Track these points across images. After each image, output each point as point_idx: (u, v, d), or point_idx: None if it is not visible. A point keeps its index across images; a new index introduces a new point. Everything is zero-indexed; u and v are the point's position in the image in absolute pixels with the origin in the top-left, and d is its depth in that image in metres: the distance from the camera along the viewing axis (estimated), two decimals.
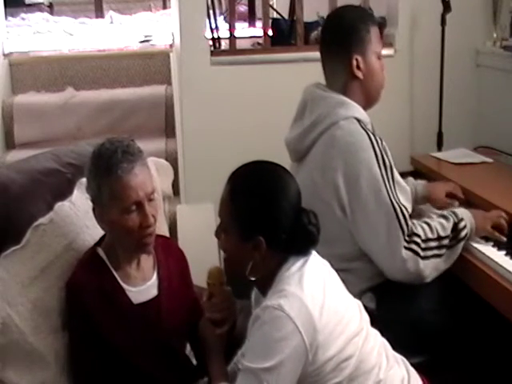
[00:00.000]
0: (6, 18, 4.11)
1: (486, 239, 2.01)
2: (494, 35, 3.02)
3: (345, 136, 1.92)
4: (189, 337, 1.88)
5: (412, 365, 1.68)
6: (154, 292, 1.79)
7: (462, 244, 1.95)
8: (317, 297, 1.47)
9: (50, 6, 5.83)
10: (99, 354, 1.71)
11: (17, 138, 3.52)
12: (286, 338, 1.42)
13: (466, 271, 1.97)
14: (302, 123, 2.03)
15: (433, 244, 1.89)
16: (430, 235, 1.90)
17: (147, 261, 1.82)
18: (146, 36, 4.31)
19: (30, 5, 5.77)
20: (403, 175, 2.06)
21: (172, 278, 1.84)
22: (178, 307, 1.82)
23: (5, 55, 3.78)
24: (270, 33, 3.49)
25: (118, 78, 3.80)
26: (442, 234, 1.91)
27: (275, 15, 4.24)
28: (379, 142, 1.92)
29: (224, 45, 3.73)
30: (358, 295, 1.77)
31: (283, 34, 3.73)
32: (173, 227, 2.87)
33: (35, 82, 3.74)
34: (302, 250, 1.55)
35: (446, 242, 1.91)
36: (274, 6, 4.68)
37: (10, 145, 3.52)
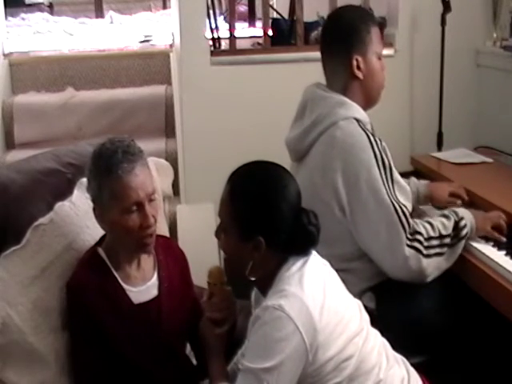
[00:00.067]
0: (6, 17, 4.11)
1: (486, 239, 2.02)
2: (494, 35, 3.02)
3: (344, 136, 1.92)
4: (189, 337, 1.88)
5: (412, 365, 1.68)
6: (154, 292, 1.79)
7: (462, 243, 1.95)
8: (317, 297, 1.47)
9: (50, 5, 5.83)
10: (100, 354, 1.71)
11: (17, 138, 3.51)
12: (287, 338, 1.42)
13: (466, 271, 1.97)
14: (302, 123, 2.03)
15: (435, 242, 1.90)
16: (431, 234, 1.90)
17: (147, 261, 1.82)
18: (145, 36, 4.30)
19: (30, 5, 5.76)
20: (403, 175, 2.06)
21: (172, 278, 1.84)
22: (179, 307, 1.82)
23: (5, 55, 3.78)
24: (270, 33, 3.49)
25: (118, 78, 3.80)
26: (444, 232, 1.92)
27: (275, 15, 4.23)
28: (379, 142, 1.92)
29: (224, 45, 3.73)
30: (357, 295, 1.77)
31: (283, 34, 3.73)
32: (173, 227, 2.87)
33: (35, 82, 3.74)
34: (302, 250, 1.55)
35: (447, 240, 1.92)
36: (274, 6, 4.68)
37: (10, 145, 3.51)
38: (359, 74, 2.00)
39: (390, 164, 1.91)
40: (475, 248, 1.98)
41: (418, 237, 1.88)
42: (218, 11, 4.30)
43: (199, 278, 1.87)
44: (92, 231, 1.87)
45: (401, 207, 1.88)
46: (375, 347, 1.57)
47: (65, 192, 1.96)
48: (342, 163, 1.90)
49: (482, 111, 3.09)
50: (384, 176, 1.89)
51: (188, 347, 1.93)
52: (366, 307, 1.66)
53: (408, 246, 1.86)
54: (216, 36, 3.78)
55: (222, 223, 1.58)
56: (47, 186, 1.99)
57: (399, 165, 2.08)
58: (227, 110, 3.05)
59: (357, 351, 1.51)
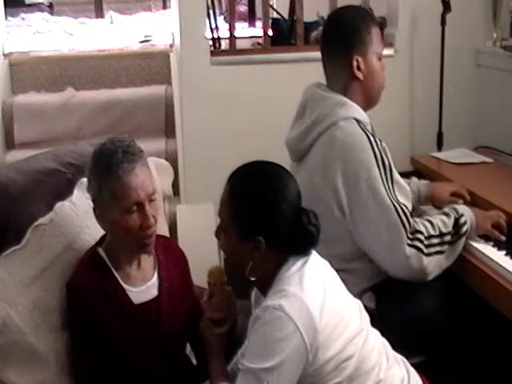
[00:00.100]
0: (6, 17, 4.11)
1: (486, 239, 2.02)
2: (494, 35, 3.02)
3: (344, 137, 1.92)
4: (189, 337, 1.88)
5: (412, 365, 1.68)
6: (154, 292, 1.79)
7: (463, 240, 1.95)
8: (317, 297, 1.47)
9: (50, 5, 5.83)
10: (100, 354, 1.71)
11: (17, 138, 3.51)
12: (287, 338, 1.42)
13: (466, 271, 1.97)
14: (302, 123, 2.03)
15: (435, 241, 1.90)
16: (432, 232, 1.90)
17: (148, 261, 1.82)
18: (146, 36, 4.30)
19: (30, 5, 5.76)
20: (403, 175, 2.06)
21: (172, 279, 1.84)
22: (179, 307, 1.82)
23: (5, 55, 3.78)
24: (270, 33, 3.50)
25: (118, 78, 3.79)
26: (444, 230, 1.92)
27: (275, 15, 4.23)
28: (379, 142, 1.92)
29: (224, 45, 3.73)
30: (357, 295, 1.77)
31: (283, 34, 3.73)
32: (173, 227, 2.87)
33: (35, 82, 3.74)
34: (302, 250, 1.55)
35: (447, 238, 1.92)
36: (274, 6, 4.68)
37: (10, 145, 3.51)
38: (359, 75, 2.00)
39: (389, 164, 1.91)
40: (475, 248, 1.98)
41: (419, 236, 1.88)
42: (218, 11, 4.30)
43: (199, 277, 1.87)
44: (92, 231, 1.87)
45: (401, 207, 1.88)
46: (375, 347, 1.57)
47: (65, 192, 1.96)
48: (341, 163, 1.90)
49: (482, 111, 3.09)
50: (384, 176, 1.89)
51: (188, 347, 1.93)
52: (366, 307, 1.66)
53: (409, 245, 1.86)
54: (216, 36, 3.78)
55: (222, 223, 1.58)
56: (47, 186, 1.99)
57: (399, 165, 2.08)
58: (227, 110, 3.05)
59: (357, 351, 1.51)
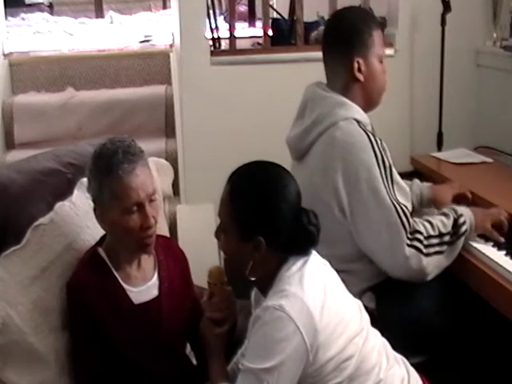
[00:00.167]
0: (6, 17, 4.11)
1: (486, 239, 2.01)
2: (494, 35, 3.02)
3: (344, 137, 1.92)
4: (189, 337, 1.88)
5: (412, 365, 1.68)
6: (154, 292, 1.79)
7: (462, 240, 1.95)
8: (317, 297, 1.47)
9: (50, 5, 5.83)
10: (100, 354, 1.71)
11: (17, 138, 3.51)
12: (287, 338, 1.42)
13: (466, 271, 1.97)
14: (303, 122, 2.03)
15: (434, 241, 1.90)
16: (431, 232, 1.90)
17: (148, 261, 1.82)
18: (145, 36, 4.30)
19: (30, 5, 5.76)
20: (403, 175, 2.06)
21: (172, 279, 1.84)
22: (179, 307, 1.82)
23: (5, 55, 3.78)
24: (270, 33, 3.50)
25: (118, 78, 3.79)
26: (443, 230, 1.92)
27: (275, 15, 4.24)
28: (379, 142, 1.92)
29: (224, 45, 3.73)
30: (357, 295, 1.77)
31: (283, 34, 3.74)
32: (173, 227, 2.87)
33: (35, 82, 3.74)
34: (302, 250, 1.55)
35: (447, 238, 1.92)
36: (274, 6, 4.68)
37: (10, 145, 3.51)
38: (360, 77, 1.99)
39: (390, 164, 1.91)
40: (475, 248, 1.98)
41: (418, 236, 1.88)
42: (218, 11, 4.30)
43: (199, 278, 1.87)
44: (92, 231, 1.87)
45: (401, 207, 1.88)
46: (375, 347, 1.57)
47: (65, 192, 1.96)
48: (342, 163, 1.90)
49: (482, 111, 3.09)
50: (384, 176, 1.89)
51: (188, 347, 1.93)
52: (366, 307, 1.66)
53: (408, 245, 1.86)
54: (216, 36, 3.78)
55: (222, 223, 1.58)
56: (47, 186, 1.99)
57: (399, 165, 2.08)
58: (227, 110, 3.05)
59: (357, 351, 1.51)
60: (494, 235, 2.00)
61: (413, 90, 3.13)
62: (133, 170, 1.66)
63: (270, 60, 3.11)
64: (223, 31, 3.78)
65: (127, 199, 1.66)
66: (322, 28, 3.47)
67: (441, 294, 1.97)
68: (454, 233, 1.93)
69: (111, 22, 4.93)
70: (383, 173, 1.89)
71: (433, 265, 1.89)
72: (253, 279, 1.56)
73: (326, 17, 3.47)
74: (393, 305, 1.93)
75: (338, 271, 1.62)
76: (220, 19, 4.30)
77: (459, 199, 2.21)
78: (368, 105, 2.03)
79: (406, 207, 1.90)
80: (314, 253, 1.57)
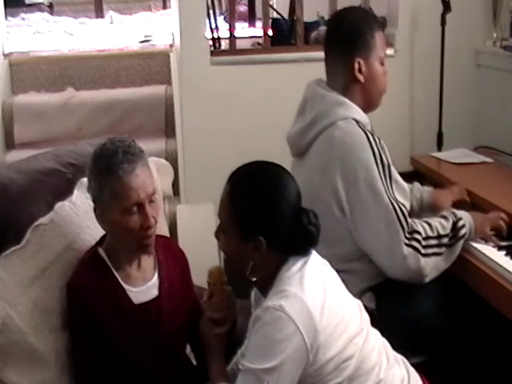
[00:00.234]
0: (6, 17, 4.11)
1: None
2: (494, 35, 3.02)
3: (343, 136, 1.92)
4: (189, 337, 1.88)
5: (412, 365, 1.68)
6: (154, 292, 1.79)
7: (461, 243, 1.95)
8: (318, 297, 1.47)
9: (50, 5, 5.83)
10: (100, 354, 1.71)
11: (17, 138, 3.51)
12: (287, 338, 1.42)
13: (466, 271, 1.97)
14: (303, 119, 2.04)
15: (433, 242, 1.90)
16: (430, 233, 1.90)
17: (148, 261, 1.82)
18: (146, 36, 4.30)
19: (30, 5, 5.76)
20: (404, 175, 2.06)
21: (172, 279, 1.84)
22: (179, 308, 1.82)
23: (5, 55, 3.78)
24: (270, 33, 3.50)
25: (118, 78, 3.79)
26: (442, 232, 1.92)
27: (275, 15, 4.24)
28: (377, 141, 1.92)
29: (224, 45, 3.73)
30: (357, 295, 1.77)
31: (283, 34, 3.74)
32: (173, 227, 2.87)
33: (35, 82, 3.74)
34: (302, 250, 1.55)
35: (445, 240, 1.92)
36: (274, 6, 4.68)
37: (10, 145, 3.51)
38: (360, 77, 1.99)
39: (388, 163, 1.92)
40: (475, 248, 1.98)
41: (417, 236, 1.88)
42: (218, 11, 4.31)
43: (199, 278, 1.87)
44: (92, 231, 1.86)
45: (399, 206, 1.88)
46: (375, 347, 1.57)
47: (65, 192, 1.96)
48: (340, 162, 1.90)
49: (482, 111, 3.09)
50: (383, 175, 1.89)
51: (188, 347, 1.93)
52: (366, 307, 1.66)
53: (406, 244, 1.86)
54: (216, 36, 3.78)
55: (222, 224, 1.58)
56: (47, 186, 1.99)
57: (399, 165, 2.08)
58: (227, 110, 3.05)
59: (357, 351, 1.51)
60: (492, 240, 2.00)
61: (413, 90, 3.13)
62: (133, 170, 1.66)
63: (269, 60, 3.11)
64: (223, 31, 3.78)
65: (127, 199, 1.66)
66: (322, 28, 3.48)
67: (441, 294, 1.97)
68: (452, 235, 1.93)
69: (111, 22, 4.92)
70: (381, 172, 1.89)
71: (431, 266, 1.89)
72: (253, 279, 1.56)
73: (326, 17, 3.47)
74: (393, 305, 1.93)
75: (337, 271, 1.62)
76: (220, 19, 4.30)
77: (459, 204, 2.21)
78: (368, 106, 2.03)
79: (404, 206, 1.90)
80: (314, 253, 1.57)
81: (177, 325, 1.80)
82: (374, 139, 1.91)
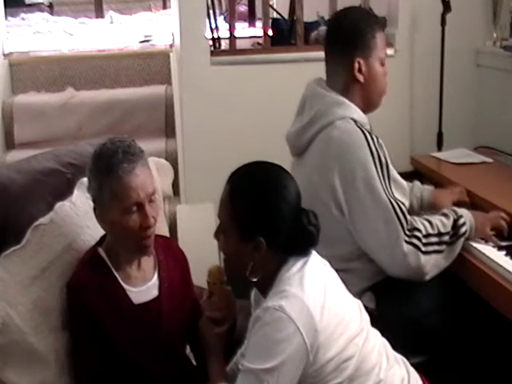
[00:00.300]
0: (6, 17, 4.11)
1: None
2: (494, 35, 3.03)
3: (340, 136, 1.92)
4: (189, 338, 1.88)
5: (412, 365, 1.68)
6: (154, 292, 1.79)
7: (461, 241, 1.95)
8: (318, 298, 1.47)
9: (50, 5, 5.83)
10: (100, 354, 1.71)
11: (17, 138, 3.51)
12: (287, 339, 1.42)
13: (466, 271, 1.97)
14: (302, 119, 2.04)
15: (433, 239, 1.90)
16: (430, 231, 1.90)
17: (148, 261, 1.82)
18: (146, 36, 4.30)
19: (30, 5, 5.76)
20: (404, 175, 2.06)
21: (172, 279, 1.84)
22: (179, 308, 1.82)
23: (5, 55, 3.78)
24: (270, 33, 3.50)
25: (118, 78, 3.79)
26: (443, 230, 1.92)
27: (275, 15, 4.24)
28: (375, 139, 1.92)
29: (224, 45, 3.73)
30: (357, 295, 1.77)
31: (283, 34, 3.74)
32: (173, 227, 2.87)
33: (35, 82, 3.73)
34: (302, 251, 1.55)
35: (446, 238, 1.92)
36: (274, 6, 4.68)
37: (10, 145, 3.51)
38: (360, 77, 1.99)
39: (386, 161, 1.92)
40: (475, 248, 1.98)
41: (417, 233, 1.88)
42: (218, 11, 4.31)
43: (199, 278, 1.87)
44: (92, 231, 1.87)
45: (398, 204, 1.88)
46: (375, 347, 1.57)
47: (65, 192, 1.96)
48: (338, 162, 1.90)
49: (482, 111, 3.09)
50: (381, 173, 1.89)
51: (188, 348, 1.93)
52: (365, 307, 1.66)
53: (406, 242, 1.87)
54: (216, 36, 3.78)
55: (222, 224, 1.58)
56: (47, 186, 1.99)
57: (399, 165, 2.08)
58: (227, 110, 3.05)
59: (357, 351, 1.51)
60: (492, 240, 2.00)
61: (413, 90, 3.13)
62: (132, 170, 1.66)
63: (270, 60, 3.11)
64: (223, 31, 3.78)
65: (127, 199, 1.66)
66: (322, 28, 3.48)
67: (441, 293, 1.97)
68: (453, 233, 1.93)
69: (111, 22, 4.93)
70: (380, 170, 1.89)
71: (431, 264, 1.89)
72: (253, 280, 1.56)
73: (326, 17, 3.47)
74: (393, 305, 1.93)
75: (337, 270, 1.62)
76: (220, 19, 4.30)
77: (458, 205, 2.21)
78: (367, 106, 2.03)
79: (403, 204, 1.90)
80: (313, 253, 1.57)
81: (177, 325, 1.80)
82: (372, 138, 1.91)
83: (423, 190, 2.29)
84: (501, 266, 1.86)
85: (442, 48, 2.87)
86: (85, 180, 1.81)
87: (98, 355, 1.71)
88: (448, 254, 1.93)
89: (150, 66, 3.82)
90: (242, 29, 4.66)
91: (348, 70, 1.99)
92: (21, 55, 3.91)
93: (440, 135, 2.97)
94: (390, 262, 1.90)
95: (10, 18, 4.59)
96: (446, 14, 2.82)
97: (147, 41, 4.24)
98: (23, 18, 5.04)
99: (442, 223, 1.93)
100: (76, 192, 1.95)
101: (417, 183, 2.31)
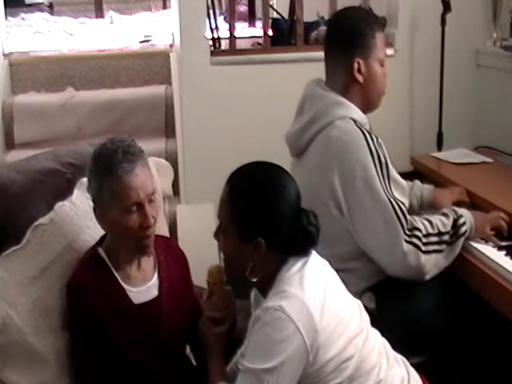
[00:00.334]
0: (6, 17, 4.11)
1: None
2: (494, 35, 3.03)
3: (340, 135, 1.92)
4: (189, 338, 1.88)
5: (412, 365, 1.68)
6: (154, 292, 1.79)
7: (461, 241, 1.95)
8: (318, 298, 1.47)
9: (50, 5, 5.83)
10: (100, 354, 1.71)
11: (17, 138, 3.51)
12: (287, 339, 1.42)
13: (465, 271, 1.97)
14: (302, 119, 2.04)
15: (433, 239, 1.90)
16: (430, 230, 1.90)
17: (148, 261, 1.82)
18: (145, 36, 4.30)
19: (30, 5, 5.76)
20: (404, 175, 2.06)
21: (172, 279, 1.84)
22: (179, 308, 1.82)
23: (5, 55, 3.78)
24: (270, 33, 3.50)
25: (118, 78, 3.79)
26: (443, 229, 1.92)
27: (275, 15, 4.24)
28: (374, 139, 1.92)
29: (224, 45, 3.73)
30: (357, 295, 1.77)
31: (283, 34, 3.74)
32: (173, 227, 2.87)
33: (35, 82, 3.74)
34: (302, 251, 1.55)
35: (446, 237, 1.92)
36: (274, 6, 4.68)
37: (10, 145, 3.51)
38: (359, 78, 1.99)
39: (386, 161, 1.92)
40: (475, 248, 1.98)
41: (417, 233, 1.88)
42: (218, 11, 4.31)
43: (199, 278, 1.87)
44: (92, 231, 1.86)
45: (398, 203, 1.88)
46: (375, 347, 1.57)
47: (65, 192, 1.96)
48: (338, 161, 1.91)
49: (482, 111, 3.09)
50: (380, 173, 1.89)
51: (188, 348, 1.93)
52: (365, 307, 1.66)
53: (406, 241, 1.87)
54: (216, 36, 3.78)
55: (222, 224, 1.58)
56: (47, 185, 1.99)
57: (399, 165, 2.08)
58: (227, 110, 3.05)
59: (357, 351, 1.51)
60: (492, 240, 2.00)
61: (413, 90, 3.13)
62: (132, 170, 1.66)
63: (269, 60, 3.11)
64: (223, 31, 3.78)
65: (127, 199, 1.66)
66: (322, 28, 3.48)
67: (441, 293, 1.97)
68: (453, 233, 1.94)
69: (111, 22, 4.93)
70: (379, 170, 1.89)
71: (431, 263, 1.89)
72: (253, 280, 1.56)
73: (326, 17, 3.47)
74: (393, 305, 1.93)
75: (337, 270, 1.62)
76: (220, 19, 4.30)
77: (458, 205, 2.21)
78: (367, 106, 2.03)
79: (402, 204, 1.90)
80: (313, 253, 1.57)
81: (177, 325, 1.80)
82: (372, 138, 1.91)
83: (423, 189, 2.29)
84: (501, 266, 1.86)
85: (442, 48, 2.87)
86: (85, 180, 1.81)
87: (97, 355, 1.71)
88: (448, 254, 1.93)
89: (150, 66, 3.82)
90: (242, 29, 4.67)
91: (347, 70, 1.99)
92: (21, 55, 3.91)
93: (440, 135, 2.97)
94: (389, 262, 1.90)
95: (10, 18, 4.59)
96: (446, 13, 2.82)
97: (147, 41, 4.24)
98: (23, 18, 5.04)
99: (442, 223, 1.93)
100: (76, 192, 1.95)
101: (417, 182, 2.31)
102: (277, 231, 1.53)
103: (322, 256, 1.60)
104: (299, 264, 1.52)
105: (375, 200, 1.87)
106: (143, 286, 1.79)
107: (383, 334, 1.65)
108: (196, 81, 3.02)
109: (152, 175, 1.75)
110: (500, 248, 1.96)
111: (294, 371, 1.44)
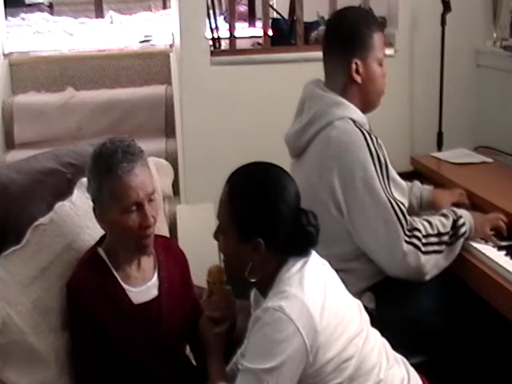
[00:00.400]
0: (6, 17, 4.11)
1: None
2: (494, 35, 3.03)
3: (339, 136, 1.92)
4: (189, 338, 1.88)
5: (412, 365, 1.68)
6: (154, 292, 1.79)
7: (461, 241, 1.95)
8: (318, 298, 1.47)
9: (50, 5, 5.83)
10: (100, 354, 1.71)
11: (17, 138, 3.51)
12: (287, 339, 1.42)
13: (466, 271, 1.97)
14: (301, 120, 2.04)
15: (433, 240, 1.90)
16: (430, 231, 1.90)
17: (148, 261, 1.82)
18: (146, 36, 4.30)
19: (30, 5, 5.76)
20: (403, 175, 2.06)
21: (172, 279, 1.84)
22: (179, 308, 1.82)
23: (5, 55, 3.78)
24: (270, 33, 3.50)
25: (118, 78, 3.79)
26: (442, 230, 1.92)
27: (275, 15, 4.24)
28: (374, 139, 1.92)
29: (224, 45, 3.73)
30: (357, 295, 1.77)
31: (283, 34, 3.74)
32: (173, 227, 2.87)
33: (35, 82, 3.74)
34: (302, 251, 1.55)
35: (445, 238, 1.92)
36: (274, 6, 4.68)
37: (10, 145, 3.51)
38: (357, 78, 1.99)
39: (385, 161, 1.92)
40: (475, 248, 1.98)
41: (417, 233, 1.88)
42: (218, 11, 4.31)
43: (199, 278, 1.87)
44: (92, 231, 1.87)
45: (397, 204, 1.88)
46: (375, 347, 1.57)
47: (65, 192, 1.96)
48: (337, 162, 1.90)
49: (482, 111, 3.09)
50: (380, 173, 1.89)
51: (188, 348, 1.93)
52: (365, 307, 1.66)
53: (406, 242, 1.87)
54: (216, 36, 3.78)
55: (221, 225, 1.58)
56: (47, 185, 1.99)
57: (399, 165, 2.08)
58: (227, 110, 3.05)
59: (357, 352, 1.51)
60: (492, 240, 2.00)
61: (413, 90, 3.13)
62: (132, 170, 1.66)
63: (270, 60, 3.11)
64: (223, 31, 3.78)
65: (126, 199, 1.66)
66: (322, 28, 3.48)
67: (441, 293, 1.97)
68: (453, 233, 1.94)
69: (111, 22, 4.93)
70: (379, 170, 1.89)
71: (431, 264, 1.89)
72: (252, 280, 1.56)
73: (326, 17, 3.47)
74: (392, 305, 1.93)
75: (336, 271, 1.62)
76: (220, 19, 4.30)
77: (458, 206, 2.20)
78: (366, 106, 2.03)
79: (402, 204, 1.90)
80: (313, 253, 1.57)
81: (177, 325, 1.80)
82: (371, 138, 1.91)
83: (423, 189, 2.29)
84: (501, 266, 1.86)
85: (442, 48, 2.87)
86: (85, 180, 1.81)
87: (98, 355, 1.71)
88: (448, 254, 1.93)
89: (150, 66, 3.82)
90: (242, 29, 4.66)
91: (346, 70, 1.99)
92: (21, 55, 3.91)
93: (440, 135, 2.97)
94: (389, 262, 1.90)
95: (10, 18, 4.59)
96: (446, 13, 2.82)
97: (147, 41, 4.24)
98: (23, 18, 5.04)
99: (442, 223, 1.93)
100: (76, 192, 1.95)
101: (416, 183, 2.31)
102: (276, 231, 1.53)
103: (321, 256, 1.60)
104: (299, 264, 1.52)
105: (375, 200, 1.87)
106: (143, 285, 1.79)
107: (383, 334, 1.65)
108: (196, 81, 3.02)
109: (152, 175, 1.75)
110: (500, 248, 1.97)
111: (293, 371, 1.44)
